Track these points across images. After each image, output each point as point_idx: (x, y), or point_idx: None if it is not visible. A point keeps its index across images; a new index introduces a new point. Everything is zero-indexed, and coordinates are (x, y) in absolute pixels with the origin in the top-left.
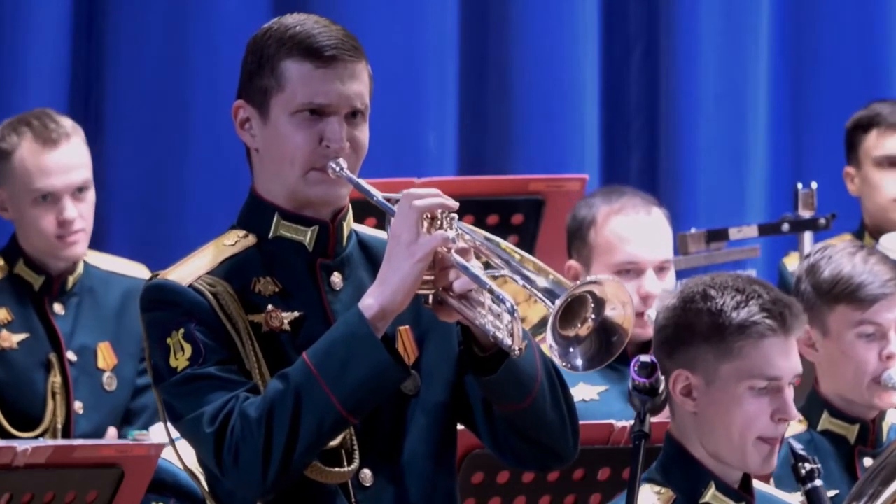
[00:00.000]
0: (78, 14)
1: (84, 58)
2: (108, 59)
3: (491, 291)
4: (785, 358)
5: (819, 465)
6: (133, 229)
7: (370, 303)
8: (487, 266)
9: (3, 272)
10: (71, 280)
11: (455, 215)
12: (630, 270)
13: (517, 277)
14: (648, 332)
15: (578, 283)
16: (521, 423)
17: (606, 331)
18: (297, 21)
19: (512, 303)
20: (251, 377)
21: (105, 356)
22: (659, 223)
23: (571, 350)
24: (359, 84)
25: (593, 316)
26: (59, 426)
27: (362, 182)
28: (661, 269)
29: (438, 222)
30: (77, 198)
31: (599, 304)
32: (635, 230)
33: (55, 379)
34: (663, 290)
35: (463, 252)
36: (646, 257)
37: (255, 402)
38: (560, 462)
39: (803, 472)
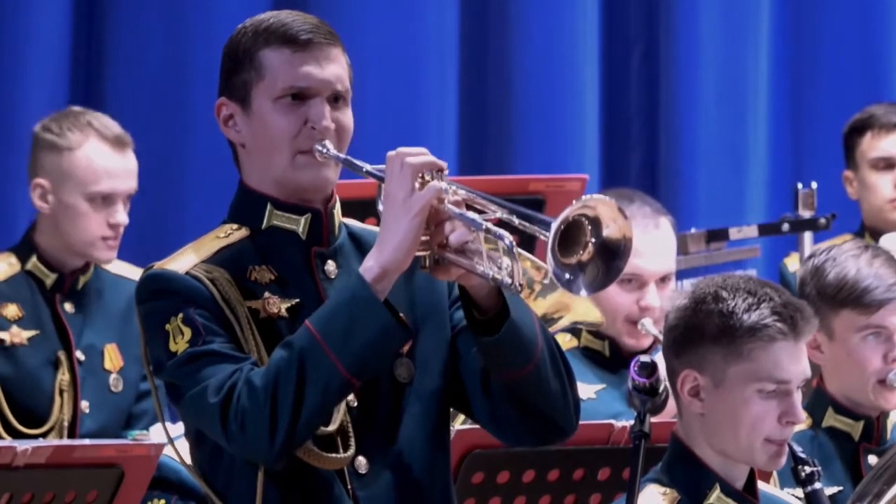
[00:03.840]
0: (78, 14)
1: (84, 58)
2: (108, 59)
3: (487, 231)
4: (794, 362)
5: (819, 468)
6: (132, 228)
7: (370, 265)
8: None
9: (16, 269)
10: (82, 280)
11: (446, 171)
12: (632, 281)
13: (513, 217)
14: (643, 342)
15: (570, 207)
16: (523, 391)
17: (609, 249)
18: (270, 15)
19: (510, 239)
20: None
21: (112, 357)
22: (665, 236)
23: (574, 277)
24: (337, 67)
25: (593, 239)
26: (66, 424)
27: (350, 157)
28: (662, 280)
29: (430, 177)
30: (125, 204)
31: (596, 225)
32: (642, 243)
33: (63, 377)
34: (671, 289)
35: (456, 203)
36: (650, 270)
37: (260, 371)
38: (560, 435)
39: (803, 474)
